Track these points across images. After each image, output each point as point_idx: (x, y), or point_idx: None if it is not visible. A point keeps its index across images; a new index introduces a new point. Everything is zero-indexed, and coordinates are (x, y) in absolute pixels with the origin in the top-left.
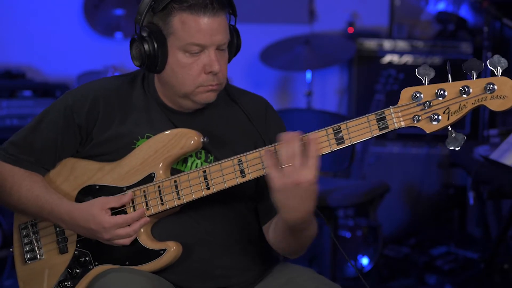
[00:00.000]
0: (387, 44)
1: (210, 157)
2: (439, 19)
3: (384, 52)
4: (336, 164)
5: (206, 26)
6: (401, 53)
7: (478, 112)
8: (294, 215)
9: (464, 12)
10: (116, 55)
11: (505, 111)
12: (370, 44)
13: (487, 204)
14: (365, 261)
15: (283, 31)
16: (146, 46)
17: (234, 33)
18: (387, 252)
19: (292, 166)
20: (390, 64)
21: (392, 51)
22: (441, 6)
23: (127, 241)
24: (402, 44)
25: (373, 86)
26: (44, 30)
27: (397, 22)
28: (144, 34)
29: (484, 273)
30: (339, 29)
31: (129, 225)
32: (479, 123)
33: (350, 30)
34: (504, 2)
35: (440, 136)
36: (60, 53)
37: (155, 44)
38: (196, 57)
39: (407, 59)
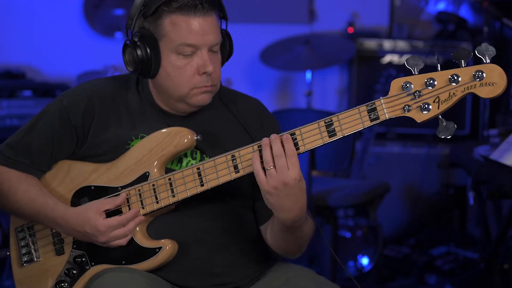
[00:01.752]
0: (387, 44)
1: (206, 158)
2: (439, 19)
3: (384, 52)
4: (336, 164)
5: (197, 26)
6: (401, 53)
7: (478, 112)
8: (288, 215)
9: (464, 12)
10: (116, 55)
11: (494, 97)
12: (370, 44)
13: (487, 204)
14: (365, 261)
15: (283, 31)
16: (139, 52)
17: (226, 37)
18: (387, 252)
19: (275, 168)
20: (390, 64)
21: (392, 51)
22: (441, 6)
23: (123, 241)
24: (402, 44)
25: (373, 86)
26: (44, 30)
27: (397, 22)
28: (136, 40)
29: (484, 273)
30: (339, 29)
31: (123, 225)
32: (479, 123)
33: (350, 30)
34: (504, 2)
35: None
36: (60, 53)
37: (148, 49)
38: (190, 59)
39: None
